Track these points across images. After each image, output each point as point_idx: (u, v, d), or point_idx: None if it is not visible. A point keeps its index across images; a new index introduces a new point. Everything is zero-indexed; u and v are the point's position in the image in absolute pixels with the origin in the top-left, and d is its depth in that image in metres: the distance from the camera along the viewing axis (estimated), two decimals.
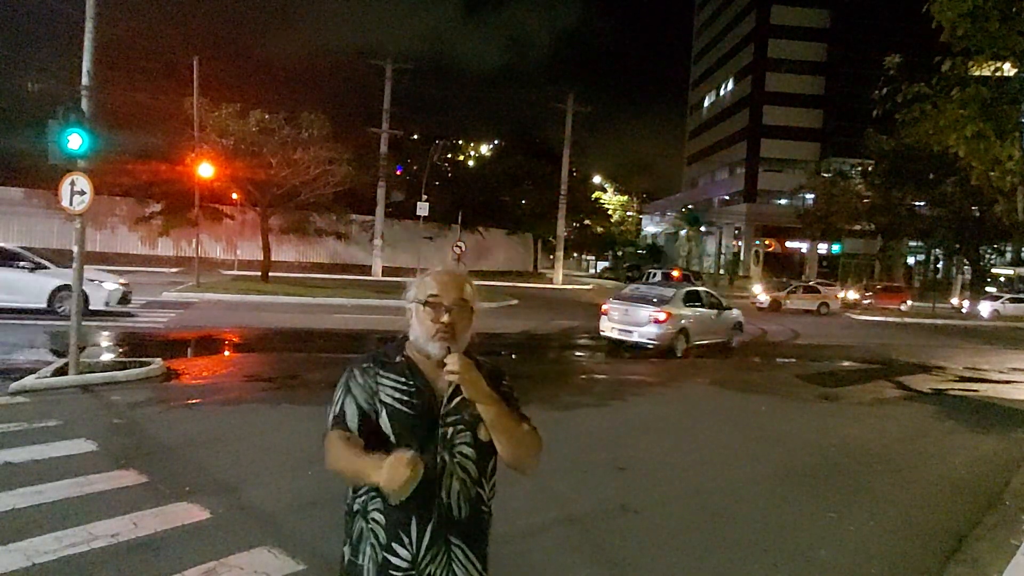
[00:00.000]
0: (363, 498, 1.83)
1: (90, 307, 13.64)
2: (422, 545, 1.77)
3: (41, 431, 6.44)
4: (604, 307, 15.68)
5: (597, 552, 4.56)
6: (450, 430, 1.81)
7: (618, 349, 15.08)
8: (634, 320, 14.65)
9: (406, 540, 1.77)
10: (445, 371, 1.74)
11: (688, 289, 16.25)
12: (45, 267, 13.96)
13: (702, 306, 15.69)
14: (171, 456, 5.97)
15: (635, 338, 14.58)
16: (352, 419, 1.81)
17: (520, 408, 1.90)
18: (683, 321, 14.66)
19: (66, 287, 12.74)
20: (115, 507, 4.69)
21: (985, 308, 35.09)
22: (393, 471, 1.59)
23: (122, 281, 15.28)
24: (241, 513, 4.78)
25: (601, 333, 15.52)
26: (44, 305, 13.62)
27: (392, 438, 1.79)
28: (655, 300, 14.83)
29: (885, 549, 4.88)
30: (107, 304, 14.47)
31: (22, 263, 13.75)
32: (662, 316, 14.29)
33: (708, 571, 4.39)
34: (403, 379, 1.84)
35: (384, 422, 1.80)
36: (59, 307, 13.55)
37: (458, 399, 1.80)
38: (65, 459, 5.65)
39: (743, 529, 5.08)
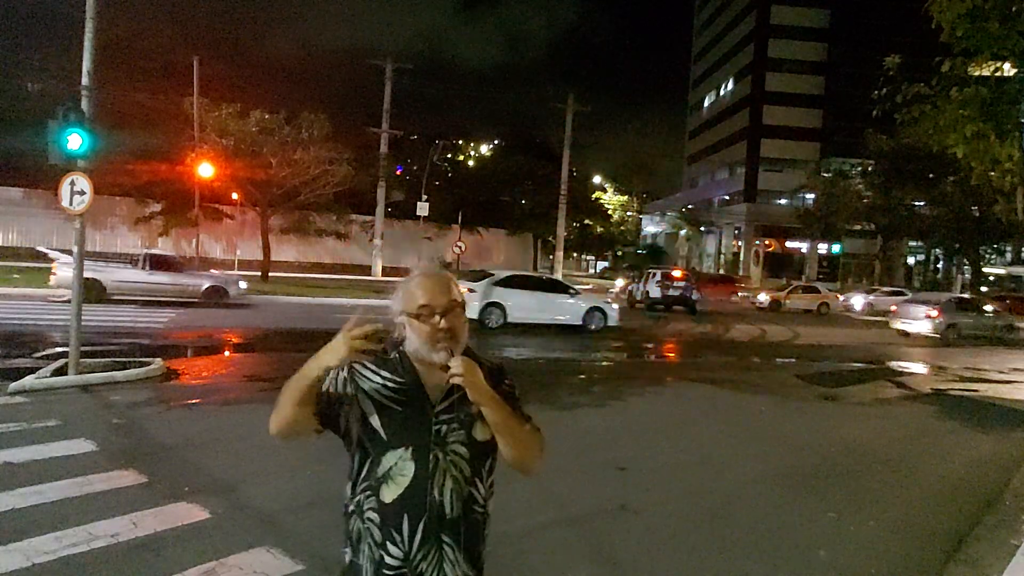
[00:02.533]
0: (358, 498, 1.83)
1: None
2: (414, 543, 1.77)
3: (41, 431, 6.44)
4: (893, 308, 24.88)
5: (596, 552, 4.56)
6: (444, 427, 1.80)
7: (906, 337, 22.17)
8: (914, 316, 22.23)
9: (398, 538, 1.77)
10: (449, 374, 1.73)
11: (957, 296, 25.29)
12: (578, 293, 19.20)
13: (968, 309, 22.66)
14: (171, 456, 5.97)
15: (915, 329, 21.96)
16: (329, 380, 1.82)
17: (521, 407, 1.90)
18: (952, 318, 21.48)
19: (595, 309, 18.68)
20: (115, 507, 4.69)
21: (858, 301, 35.15)
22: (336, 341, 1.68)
23: None
24: (241, 513, 4.77)
25: (891, 326, 23.49)
26: (580, 323, 18.50)
27: (384, 435, 1.79)
28: (930, 303, 22.48)
29: (885, 549, 4.88)
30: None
31: (570, 291, 19.08)
32: (934, 313, 21.45)
33: (708, 571, 4.39)
34: (395, 376, 1.82)
35: (375, 420, 1.80)
36: (590, 324, 18.45)
37: (454, 397, 1.79)
38: (65, 459, 5.65)
39: (743, 529, 5.08)
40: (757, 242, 63.41)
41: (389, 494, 1.78)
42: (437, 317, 1.79)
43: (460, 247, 35.20)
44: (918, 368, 15.62)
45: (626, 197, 73.48)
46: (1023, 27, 6.75)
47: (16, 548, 4.01)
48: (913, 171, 32.71)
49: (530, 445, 1.83)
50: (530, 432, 1.84)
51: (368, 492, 1.81)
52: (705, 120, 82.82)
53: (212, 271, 21.65)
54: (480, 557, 1.87)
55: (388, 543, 1.78)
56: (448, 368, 1.73)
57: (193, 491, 5.07)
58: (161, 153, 28.01)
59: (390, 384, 1.81)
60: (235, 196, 31.08)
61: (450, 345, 1.79)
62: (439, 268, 1.99)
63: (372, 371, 1.82)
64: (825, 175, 45.37)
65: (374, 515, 1.80)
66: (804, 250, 62.24)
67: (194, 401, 8.28)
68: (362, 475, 1.83)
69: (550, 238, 47.76)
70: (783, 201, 61.88)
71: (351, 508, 1.86)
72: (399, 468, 1.78)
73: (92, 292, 16.35)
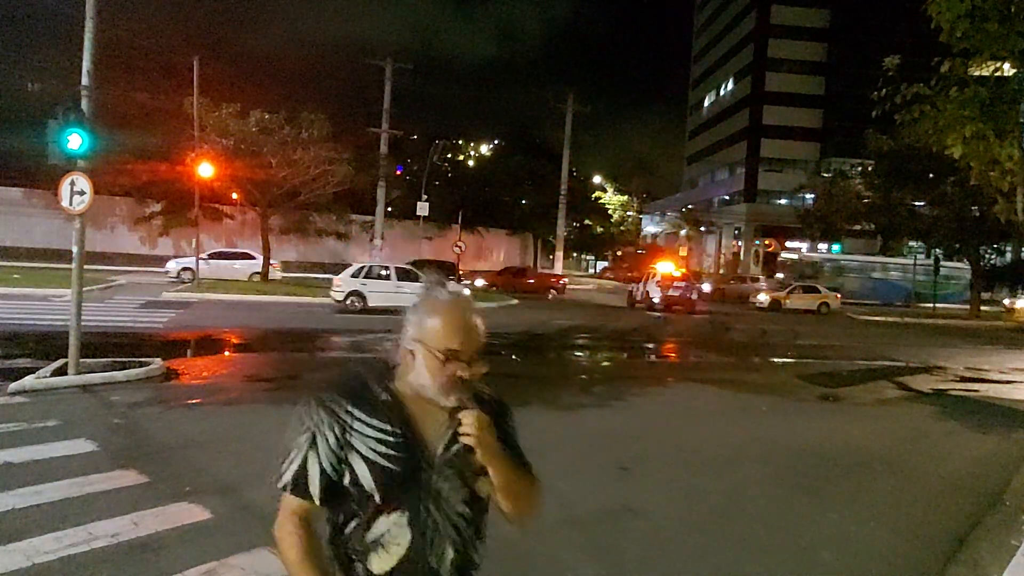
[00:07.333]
0: (348, 551, 1.59)
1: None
2: None
3: (41, 431, 6.44)
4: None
5: (600, 552, 4.56)
6: (445, 486, 1.56)
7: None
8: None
9: None
10: (460, 429, 1.53)
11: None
12: None
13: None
14: (171, 456, 5.97)
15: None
16: (314, 482, 1.56)
17: (521, 451, 1.72)
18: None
19: None
20: (115, 507, 4.69)
21: (173, 267, 27.99)
22: None
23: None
24: (241, 513, 4.77)
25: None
26: None
27: (376, 495, 1.53)
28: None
29: (886, 549, 4.88)
30: None
31: None
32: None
33: (710, 571, 4.39)
34: (388, 426, 1.56)
35: (365, 476, 1.53)
36: None
37: (456, 447, 1.56)
38: (65, 459, 5.65)
39: (745, 529, 5.08)
40: (757, 242, 63.40)
41: (380, 564, 1.53)
42: (463, 365, 1.55)
43: (460, 247, 35.18)
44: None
45: (626, 197, 73.46)
46: (1022, 27, 6.75)
47: (16, 548, 4.01)
48: (913, 171, 32.62)
49: (530, 500, 1.66)
50: (531, 485, 1.67)
51: (353, 556, 1.57)
52: (705, 120, 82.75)
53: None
54: None
55: None
56: (452, 414, 1.56)
57: (194, 491, 5.07)
58: (161, 153, 27.99)
59: (383, 438, 1.55)
60: (235, 196, 31.06)
61: (465, 393, 1.56)
62: (460, 294, 1.63)
63: (363, 422, 1.56)
64: (825, 175, 45.38)
65: None
66: (804, 250, 62.23)
67: (195, 401, 8.28)
68: (346, 535, 1.58)
69: (550, 238, 47.81)
70: (783, 201, 61.87)
71: (342, 554, 1.60)
72: (393, 536, 1.53)
73: None
